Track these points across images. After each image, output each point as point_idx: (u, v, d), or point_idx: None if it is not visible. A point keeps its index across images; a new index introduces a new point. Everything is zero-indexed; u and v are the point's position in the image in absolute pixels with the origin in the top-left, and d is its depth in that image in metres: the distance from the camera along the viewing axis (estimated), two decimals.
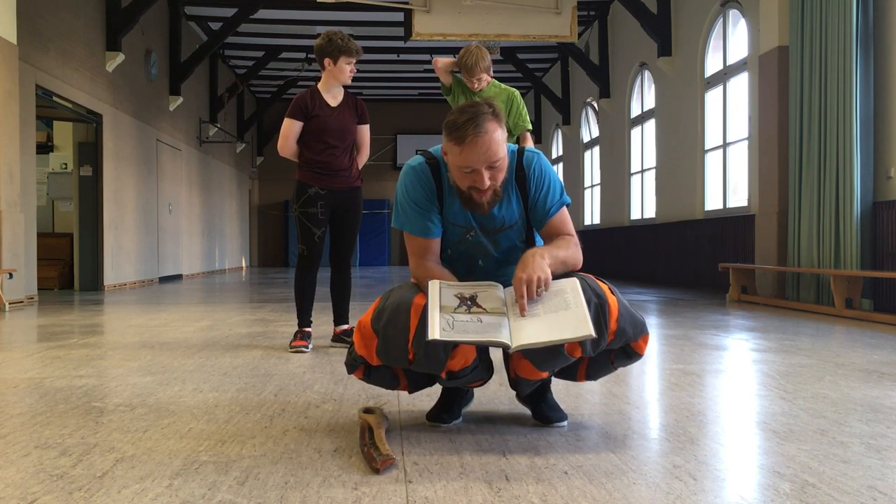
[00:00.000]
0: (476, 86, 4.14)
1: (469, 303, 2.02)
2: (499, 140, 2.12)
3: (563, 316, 1.96)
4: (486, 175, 2.12)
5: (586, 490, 1.74)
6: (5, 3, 7.14)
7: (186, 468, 1.91)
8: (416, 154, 2.39)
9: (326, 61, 4.12)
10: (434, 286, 2.05)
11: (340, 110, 4.18)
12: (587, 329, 1.91)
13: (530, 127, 4.25)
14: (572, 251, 2.23)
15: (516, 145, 2.33)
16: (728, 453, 2.09)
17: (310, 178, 4.14)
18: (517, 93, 4.31)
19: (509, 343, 1.93)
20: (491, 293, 2.06)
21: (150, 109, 11.96)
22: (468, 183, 2.15)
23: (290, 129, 4.12)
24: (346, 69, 4.12)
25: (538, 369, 2.13)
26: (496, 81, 4.33)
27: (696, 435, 2.25)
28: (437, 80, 17.42)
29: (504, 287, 2.13)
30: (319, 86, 4.19)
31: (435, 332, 1.91)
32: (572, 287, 2.03)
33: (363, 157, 4.33)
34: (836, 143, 6.50)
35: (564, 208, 2.30)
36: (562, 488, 1.76)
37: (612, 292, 2.09)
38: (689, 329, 5.13)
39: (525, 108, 4.27)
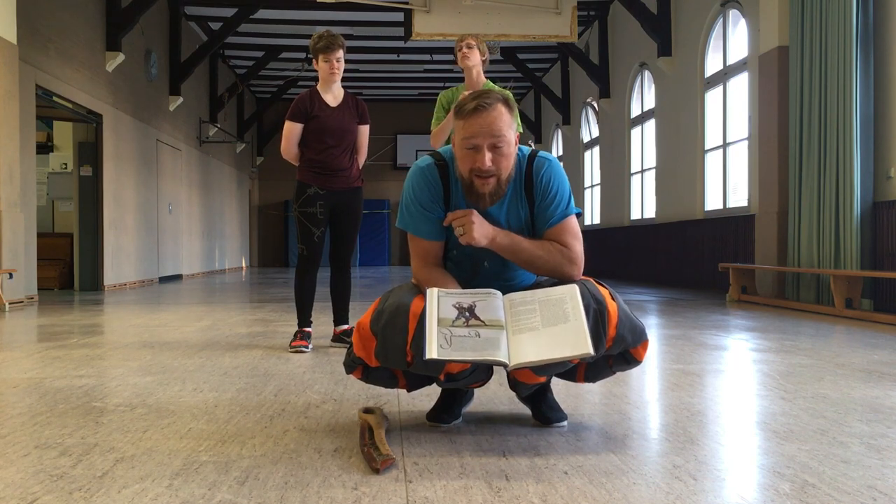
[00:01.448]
0: (464, 57, 4.17)
1: (467, 314, 2.01)
2: (506, 120, 2.13)
3: (561, 330, 1.96)
4: (488, 156, 2.11)
5: (586, 490, 1.74)
6: (5, 3, 7.14)
7: (186, 468, 1.91)
8: (418, 154, 2.38)
9: (314, 63, 4.16)
10: (432, 295, 2.03)
11: (340, 110, 4.17)
12: (586, 347, 1.91)
13: (521, 130, 4.28)
14: (552, 259, 2.18)
15: (528, 148, 2.31)
16: (728, 453, 2.09)
17: (309, 178, 4.14)
18: (511, 95, 4.33)
19: (507, 362, 1.93)
20: (490, 303, 2.05)
21: (150, 109, 11.96)
22: (470, 165, 2.14)
23: (291, 132, 4.12)
24: (326, 67, 4.11)
25: (536, 375, 2.12)
26: (490, 82, 4.35)
27: (696, 435, 2.25)
28: (437, 80, 17.30)
29: (503, 294, 2.12)
30: (319, 86, 4.20)
31: (433, 350, 1.91)
32: (572, 296, 2.02)
33: (361, 159, 4.33)
34: (836, 143, 6.50)
35: (571, 220, 2.25)
36: (562, 488, 1.76)
37: (612, 298, 2.08)
38: (689, 329, 5.13)
39: (517, 112, 4.31)
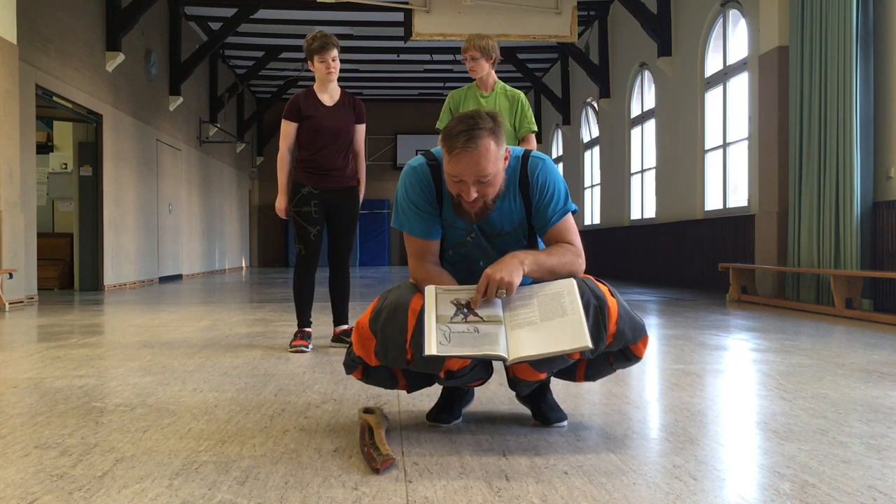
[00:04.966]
0: (471, 70, 4.17)
1: (466, 310, 2.02)
2: (491, 157, 2.06)
3: (559, 324, 1.96)
4: (473, 189, 2.09)
5: (586, 490, 1.74)
6: (5, 3, 7.14)
7: (186, 468, 1.91)
8: (417, 154, 2.37)
9: (309, 64, 4.17)
10: (430, 293, 2.04)
11: (336, 110, 4.18)
12: (584, 340, 1.91)
13: (535, 128, 4.28)
14: (567, 259, 2.17)
15: (522, 149, 2.31)
16: (728, 453, 2.09)
17: (303, 177, 4.16)
18: (523, 95, 4.34)
19: (506, 356, 1.94)
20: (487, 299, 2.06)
21: (150, 109, 11.96)
22: (456, 191, 2.14)
23: (287, 132, 4.17)
24: (322, 67, 4.12)
25: (537, 371, 2.13)
26: (503, 84, 4.34)
27: (696, 435, 2.25)
28: (437, 80, 17.29)
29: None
30: (315, 86, 4.20)
31: (432, 347, 1.92)
32: (569, 290, 2.02)
33: (360, 162, 4.31)
34: (836, 143, 6.50)
35: (569, 216, 2.26)
36: (562, 488, 1.76)
37: (611, 294, 2.08)
38: (689, 329, 5.13)
39: (531, 111, 4.32)
